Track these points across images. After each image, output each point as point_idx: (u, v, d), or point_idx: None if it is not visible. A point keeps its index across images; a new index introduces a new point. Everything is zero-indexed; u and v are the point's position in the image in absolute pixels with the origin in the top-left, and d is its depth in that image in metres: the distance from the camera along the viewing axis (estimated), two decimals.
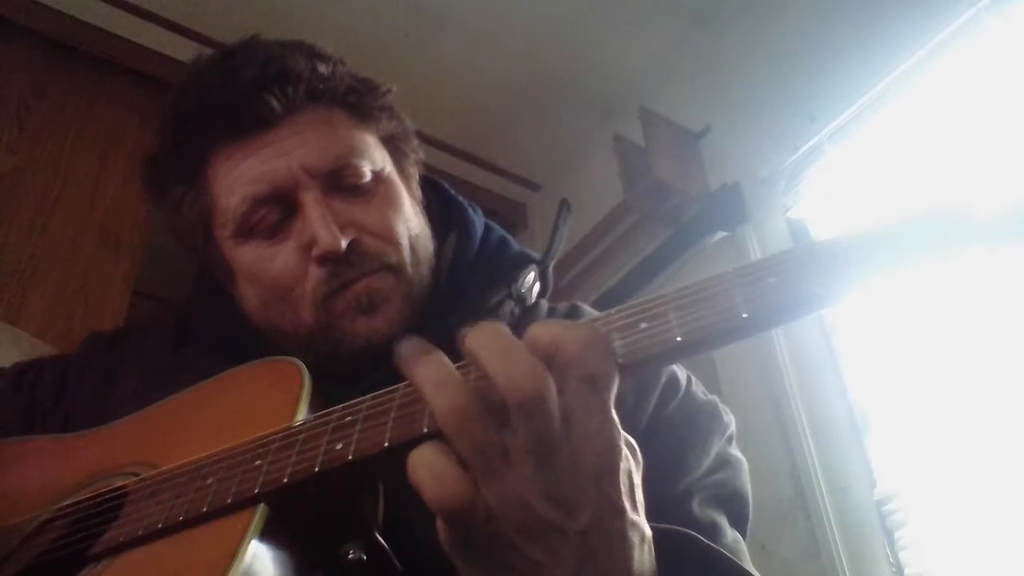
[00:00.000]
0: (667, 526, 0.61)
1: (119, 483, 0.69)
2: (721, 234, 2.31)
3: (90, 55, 2.26)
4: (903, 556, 1.76)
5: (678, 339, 0.49)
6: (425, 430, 0.52)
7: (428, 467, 0.48)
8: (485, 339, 0.49)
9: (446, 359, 0.50)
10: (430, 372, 0.50)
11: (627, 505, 0.50)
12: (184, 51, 2.32)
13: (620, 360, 0.49)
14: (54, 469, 0.78)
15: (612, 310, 0.54)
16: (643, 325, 0.51)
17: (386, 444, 0.54)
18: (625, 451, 0.50)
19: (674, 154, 2.39)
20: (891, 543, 1.79)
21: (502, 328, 0.50)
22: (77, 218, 2.08)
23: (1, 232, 1.96)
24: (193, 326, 0.91)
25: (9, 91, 2.11)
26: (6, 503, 0.76)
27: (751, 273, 0.50)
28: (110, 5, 2.26)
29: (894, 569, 1.77)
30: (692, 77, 2.57)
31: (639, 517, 0.52)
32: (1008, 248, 0.47)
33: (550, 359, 0.48)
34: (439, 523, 0.50)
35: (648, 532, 0.53)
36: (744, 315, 0.48)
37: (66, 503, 0.71)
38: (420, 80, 2.52)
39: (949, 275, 1.63)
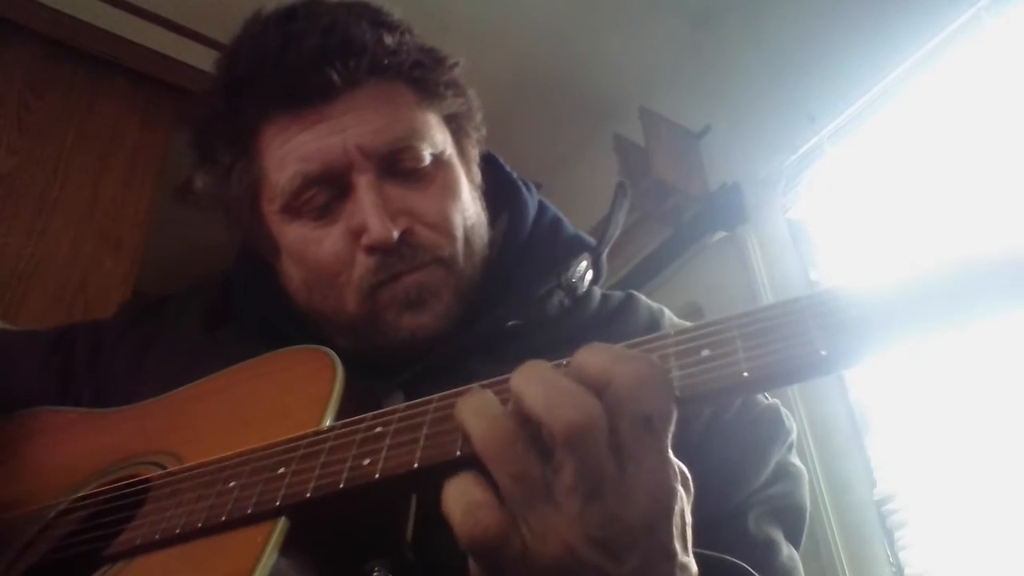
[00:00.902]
0: (717, 556, 0.58)
1: (141, 473, 0.67)
2: (721, 234, 2.31)
3: (90, 55, 2.26)
4: (903, 556, 1.76)
5: (744, 375, 0.44)
6: (459, 454, 0.49)
7: (462, 498, 0.45)
8: (528, 372, 0.46)
9: (489, 393, 0.48)
10: (471, 400, 0.47)
11: (678, 548, 0.46)
12: (184, 51, 2.33)
13: (677, 394, 0.45)
14: (79, 449, 0.76)
15: (670, 331, 0.49)
16: (705, 353, 0.46)
17: (415, 465, 0.51)
18: (680, 490, 0.46)
19: (674, 154, 2.39)
20: (891, 543, 1.79)
21: (545, 364, 0.47)
22: (77, 218, 2.08)
23: (1, 232, 1.96)
24: (233, 302, 0.86)
25: (9, 91, 2.11)
26: (30, 481, 0.75)
27: (829, 302, 0.44)
28: (110, 5, 2.26)
29: (894, 569, 1.77)
30: (692, 77, 2.57)
31: (688, 558, 0.48)
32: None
33: (601, 391, 0.44)
34: (471, 563, 0.47)
35: (695, 570, 0.49)
36: (823, 352, 0.42)
37: (85, 492, 0.70)
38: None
39: None
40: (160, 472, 0.66)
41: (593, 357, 0.46)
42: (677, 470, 0.46)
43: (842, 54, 2.13)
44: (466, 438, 0.47)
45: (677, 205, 2.43)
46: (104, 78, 2.28)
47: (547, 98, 2.71)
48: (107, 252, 2.09)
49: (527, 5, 2.47)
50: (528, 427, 0.45)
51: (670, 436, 0.45)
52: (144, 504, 0.63)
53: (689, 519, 0.48)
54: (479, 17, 2.47)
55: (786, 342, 0.44)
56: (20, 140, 2.08)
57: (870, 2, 2.09)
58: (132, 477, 0.68)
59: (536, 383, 0.45)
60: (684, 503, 0.47)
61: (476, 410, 0.47)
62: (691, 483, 0.49)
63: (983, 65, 1.86)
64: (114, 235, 2.12)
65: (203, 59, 2.38)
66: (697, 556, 0.50)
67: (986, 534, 1.60)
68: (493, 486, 0.45)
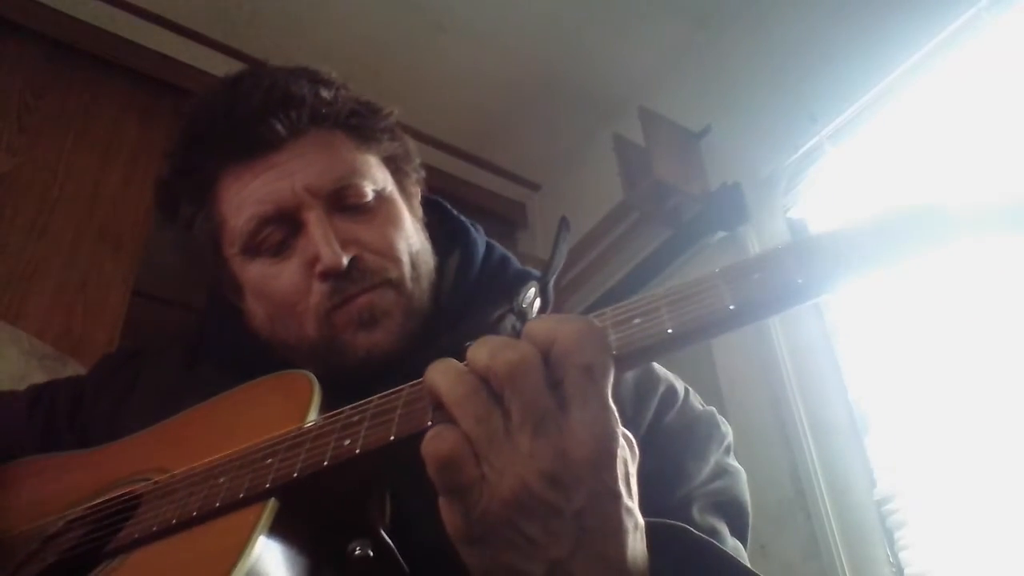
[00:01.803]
0: (661, 520, 0.62)
1: (135, 488, 0.71)
2: (721, 234, 2.31)
3: (90, 55, 2.26)
4: (903, 556, 1.77)
5: (669, 331, 0.52)
6: (430, 423, 0.54)
7: (433, 434, 0.52)
8: (479, 341, 0.54)
9: (452, 359, 0.54)
10: (438, 364, 0.54)
11: (623, 491, 0.52)
12: (184, 51, 2.33)
13: (615, 352, 0.52)
14: (71, 481, 0.80)
15: (606, 309, 0.56)
16: (636, 321, 0.53)
17: (392, 438, 0.56)
18: (622, 441, 0.52)
19: (674, 154, 2.39)
20: (891, 543, 1.79)
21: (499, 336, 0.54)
22: (77, 218, 2.08)
23: (1, 232, 1.96)
24: (206, 343, 0.94)
25: (9, 91, 2.11)
26: (28, 513, 0.78)
27: (738, 270, 0.53)
28: (110, 5, 2.26)
29: (894, 569, 1.77)
30: (692, 77, 2.57)
31: (633, 504, 0.54)
32: (988, 239, 0.50)
33: (547, 350, 0.51)
34: (441, 501, 0.52)
35: (641, 520, 0.55)
36: (731, 307, 0.51)
37: (84, 507, 0.73)
38: (421, 80, 2.52)
39: (948, 275, 1.63)
40: (150, 482, 0.69)
41: (539, 323, 0.54)
42: (618, 421, 0.52)
43: (843, 54, 2.13)
44: (434, 394, 0.53)
45: (677, 205, 2.43)
46: (104, 78, 2.28)
47: (547, 98, 2.71)
48: (107, 252, 2.09)
49: (526, 5, 2.47)
50: (487, 385, 0.52)
51: (609, 387, 0.51)
52: (139, 507, 0.66)
53: (633, 471, 0.55)
54: (478, 18, 2.47)
55: (702, 303, 0.52)
56: (20, 140, 2.08)
57: (871, 2, 2.09)
58: (124, 494, 0.71)
59: (482, 344, 0.54)
60: (627, 453, 0.54)
61: (443, 370, 0.54)
62: (636, 448, 0.56)
63: (983, 65, 1.86)
64: (114, 235, 2.12)
65: (203, 59, 2.38)
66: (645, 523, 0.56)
67: (986, 534, 1.60)
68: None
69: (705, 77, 2.53)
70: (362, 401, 0.62)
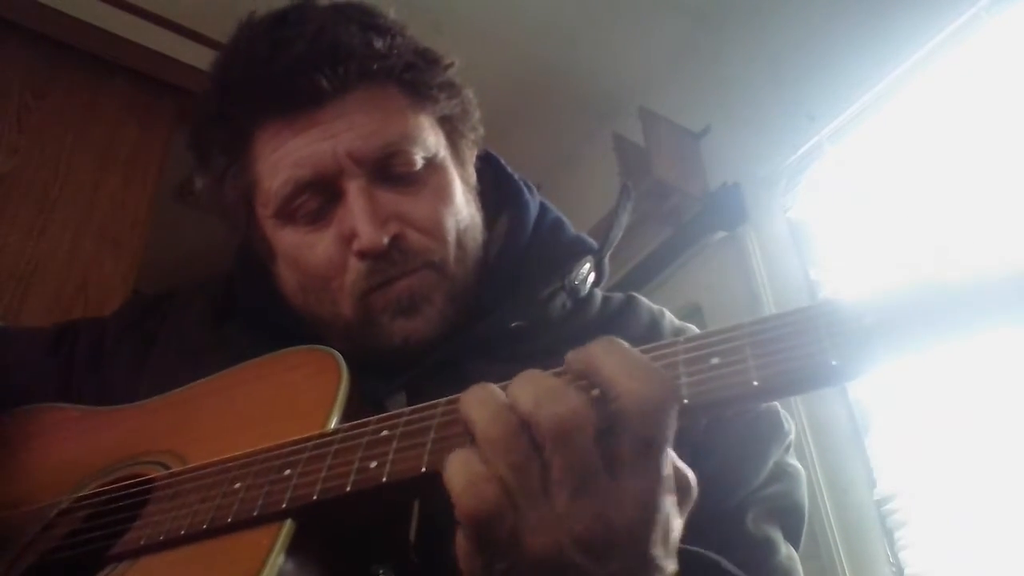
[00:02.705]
0: (696, 551, 0.59)
1: (144, 472, 0.67)
2: (721, 234, 2.31)
3: (90, 55, 2.26)
4: (903, 556, 1.76)
5: (755, 383, 0.44)
6: None
7: (464, 469, 0.46)
8: (524, 375, 0.48)
9: (493, 386, 0.49)
10: (475, 391, 0.49)
11: (658, 554, 0.48)
12: (184, 51, 2.33)
13: (686, 401, 0.45)
14: (81, 447, 0.76)
15: (680, 339, 0.49)
16: (715, 360, 0.46)
17: (423, 470, 0.51)
18: (668, 499, 0.47)
19: (674, 154, 2.39)
20: (891, 543, 1.79)
21: (541, 371, 0.49)
22: (77, 218, 2.08)
23: (1, 232, 1.96)
24: (234, 301, 0.87)
25: (9, 91, 2.11)
26: (32, 479, 0.75)
27: (840, 311, 0.44)
28: (110, 5, 2.26)
29: (894, 569, 1.77)
30: (692, 77, 2.57)
31: (668, 561, 0.49)
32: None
33: (605, 402, 0.46)
34: (459, 534, 0.48)
35: (673, 569, 0.50)
36: (833, 362, 0.42)
37: (87, 491, 0.70)
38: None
39: None
40: (163, 472, 0.66)
41: (601, 364, 0.47)
42: (672, 482, 0.47)
43: (842, 54, 2.12)
44: (469, 428, 0.47)
45: (677, 205, 2.43)
46: (104, 78, 2.28)
47: (547, 98, 2.71)
48: (107, 252, 2.09)
49: (525, 5, 2.47)
50: (527, 427, 0.46)
51: (667, 455, 0.46)
52: (147, 504, 0.63)
53: (677, 523, 0.49)
54: (477, 17, 2.47)
55: (796, 351, 0.43)
56: (20, 140, 2.07)
57: (870, 2, 2.09)
58: (134, 476, 0.68)
59: (528, 383, 0.47)
60: (671, 509, 0.48)
61: (480, 401, 0.48)
62: (693, 487, 0.50)
63: (983, 65, 1.85)
64: (114, 235, 2.12)
65: (203, 59, 2.38)
66: (680, 551, 0.51)
67: (986, 534, 1.60)
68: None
69: (705, 77, 2.53)
70: (392, 413, 0.57)
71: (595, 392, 0.47)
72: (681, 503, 0.50)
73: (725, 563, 0.63)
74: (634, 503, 0.46)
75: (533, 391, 0.47)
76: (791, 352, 0.44)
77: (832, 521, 1.85)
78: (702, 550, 0.60)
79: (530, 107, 2.71)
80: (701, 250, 2.35)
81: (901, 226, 1.86)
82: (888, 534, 1.80)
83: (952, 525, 1.67)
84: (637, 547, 0.46)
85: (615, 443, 0.46)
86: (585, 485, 0.45)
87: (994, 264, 0.41)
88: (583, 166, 2.83)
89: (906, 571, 1.75)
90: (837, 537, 1.83)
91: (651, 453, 0.45)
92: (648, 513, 0.46)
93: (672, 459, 0.48)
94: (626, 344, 0.48)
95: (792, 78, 2.24)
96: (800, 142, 2.17)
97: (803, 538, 0.76)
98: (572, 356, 0.49)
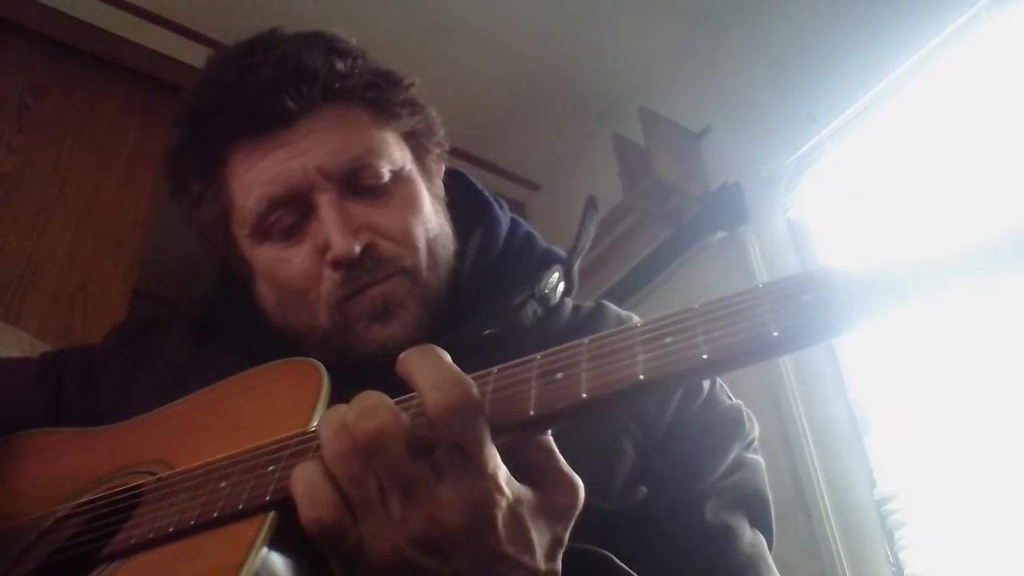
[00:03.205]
0: (587, 548, 0.62)
1: (135, 482, 0.69)
2: (721, 234, 2.31)
3: (90, 55, 2.26)
4: (903, 556, 1.76)
5: (704, 356, 0.47)
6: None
7: (304, 482, 0.51)
8: (356, 400, 0.52)
9: (343, 407, 0.52)
10: (328, 414, 0.53)
11: (511, 550, 0.51)
12: (184, 51, 2.33)
13: (641, 377, 0.48)
14: (73, 464, 0.77)
15: (636, 322, 0.53)
16: (668, 340, 0.49)
17: None
18: (503, 498, 0.50)
19: (674, 154, 2.39)
20: (891, 543, 1.79)
21: (375, 392, 0.53)
22: (77, 218, 2.08)
23: (1, 232, 1.96)
24: (215, 322, 0.90)
25: (9, 91, 2.11)
26: (25, 497, 0.76)
27: (783, 289, 0.48)
28: (110, 5, 2.26)
29: (894, 569, 1.77)
30: (692, 77, 2.57)
31: (530, 558, 0.52)
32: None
33: (419, 402, 0.51)
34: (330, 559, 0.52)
35: (541, 567, 0.53)
36: (774, 333, 0.46)
37: (81, 500, 0.71)
38: (420, 81, 2.52)
39: None
40: (152, 478, 0.67)
41: (415, 370, 0.51)
42: (500, 483, 0.50)
43: (843, 54, 2.13)
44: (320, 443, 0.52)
45: (677, 205, 2.43)
46: (104, 78, 2.28)
47: (547, 98, 2.71)
48: (107, 252, 2.09)
49: (526, 5, 2.47)
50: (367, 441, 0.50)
51: (488, 455, 0.50)
52: (138, 507, 0.64)
53: (534, 524, 0.52)
54: (477, 18, 2.47)
55: (741, 326, 0.47)
56: (20, 140, 2.08)
57: (871, 3, 2.09)
58: (125, 486, 0.69)
59: (354, 402, 0.52)
60: (524, 508, 0.51)
61: (328, 419, 0.52)
62: (579, 490, 0.54)
63: (983, 65, 1.86)
64: (114, 235, 2.12)
65: (203, 59, 2.37)
66: (569, 550, 0.55)
67: (986, 534, 1.60)
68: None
69: (705, 77, 2.53)
70: None
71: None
72: (562, 505, 0.53)
73: (616, 561, 0.65)
74: (464, 504, 0.49)
75: (354, 410, 0.51)
76: (736, 327, 0.47)
77: (832, 521, 1.85)
78: (590, 547, 0.63)
79: (530, 107, 2.72)
80: (701, 250, 2.35)
81: (901, 226, 1.86)
82: (888, 534, 1.80)
83: (952, 525, 1.67)
84: (480, 545, 0.50)
85: (433, 451, 0.50)
86: (409, 492, 0.49)
87: (939, 243, 0.46)
88: (583, 166, 2.83)
89: (906, 571, 1.75)
90: (837, 537, 1.83)
91: (467, 456, 0.49)
92: (482, 512, 0.49)
93: (562, 462, 0.52)
94: (437, 352, 0.52)
95: (792, 78, 2.25)
96: (800, 142, 2.17)
97: (774, 529, 0.78)
98: (397, 366, 0.52)
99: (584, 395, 0.49)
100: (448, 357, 0.52)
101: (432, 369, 0.51)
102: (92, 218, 2.10)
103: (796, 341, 0.46)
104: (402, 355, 0.53)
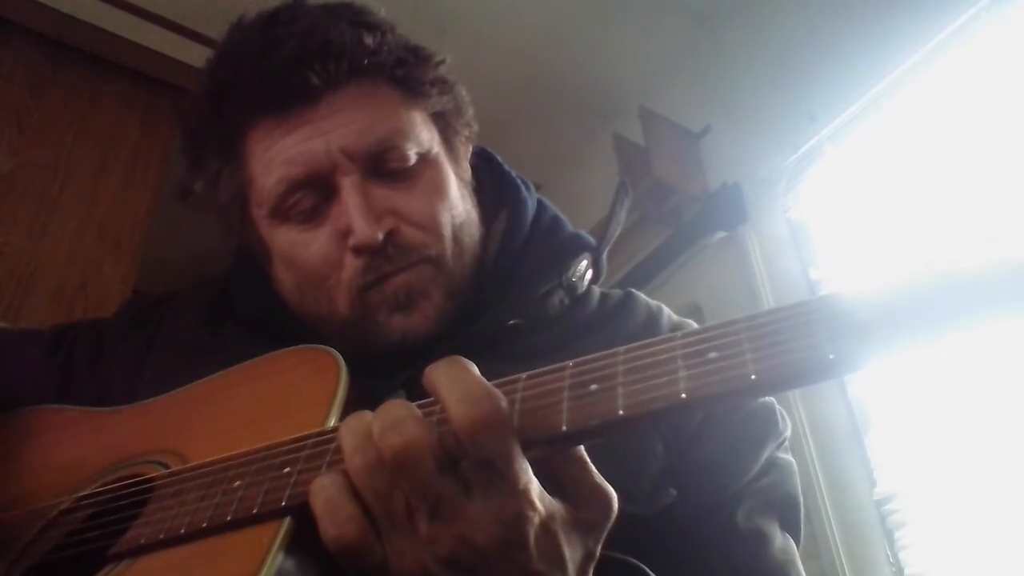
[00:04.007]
0: (619, 558, 0.60)
1: (144, 472, 0.67)
2: (721, 234, 2.31)
3: (90, 55, 2.26)
4: (903, 556, 1.76)
5: (752, 377, 0.44)
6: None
7: (324, 496, 0.49)
8: (380, 412, 0.50)
9: (369, 415, 0.50)
10: (351, 419, 0.51)
11: (542, 567, 0.49)
12: (184, 51, 2.33)
13: (683, 396, 0.45)
14: (82, 447, 0.76)
15: (678, 333, 0.49)
16: (712, 355, 0.46)
17: None
18: (536, 514, 0.48)
19: (674, 154, 2.39)
20: (891, 543, 1.79)
21: (403, 401, 0.51)
22: (77, 218, 2.08)
23: (1, 232, 1.96)
24: (231, 302, 0.86)
25: (9, 91, 2.11)
26: (32, 480, 0.75)
27: (837, 306, 0.44)
28: (110, 5, 2.26)
29: (894, 569, 1.77)
30: (692, 77, 2.57)
31: (562, 574, 0.50)
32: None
33: (445, 417, 0.48)
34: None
35: None
36: (831, 356, 0.42)
37: (88, 491, 0.69)
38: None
39: None
40: (164, 472, 0.66)
41: (441, 383, 0.49)
42: (536, 500, 0.48)
43: (842, 54, 2.12)
44: (342, 455, 0.50)
45: (677, 205, 2.43)
46: (104, 78, 2.28)
47: (547, 98, 2.71)
48: (107, 252, 2.09)
49: (526, 6, 2.47)
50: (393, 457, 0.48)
51: (519, 470, 0.47)
52: (148, 503, 0.63)
53: (569, 538, 0.50)
54: (478, 18, 2.47)
55: (793, 345, 0.43)
56: (20, 140, 2.08)
57: (870, 2, 2.09)
58: (135, 476, 0.68)
59: (380, 413, 0.49)
60: (559, 525, 0.49)
61: (351, 429, 0.50)
62: (613, 502, 0.51)
63: (983, 65, 1.86)
64: (114, 235, 2.12)
65: (203, 59, 2.38)
66: (602, 558, 0.52)
67: (986, 534, 1.60)
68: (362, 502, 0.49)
69: (705, 77, 2.53)
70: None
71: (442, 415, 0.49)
72: (594, 518, 0.51)
73: (646, 569, 0.63)
74: (495, 522, 0.47)
75: (380, 422, 0.49)
76: (788, 346, 0.44)
77: (832, 521, 1.85)
78: (623, 556, 0.61)
79: (530, 107, 2.72)
80: (701, 250, 2.35)
81: (901, 226, 1.86)
82: (888, 534, 1.80)
83: (952, 525, 1.67)
84: (511, 563, 0.48)
85: (461, 466, 0.48)
86: (438, 509, 0.47)
87: (992, 258, 0.41)
88: (583, 166, 2.83)
89: (906, 571, 1.75)
90: (837, 537, 1.83)
91: (496, 472, 0.47)
92: (514, 529, 0.47)
93: (595, 474, 0.50)
94: (463, 363, 0.50)
95: (792, 78, 2.24)
96: (800, 142, 2.17)
97: (803, 532, 0.76)
98: (423, 378, 0.50)
99: (621, 412, 0.46)
100: (475, 369, 0.50)
101: (459, 382, 0.49)
102: (92, 218, 2.10)
103: (854, 364, 0.42)
104: (428, 368, 0.50)
